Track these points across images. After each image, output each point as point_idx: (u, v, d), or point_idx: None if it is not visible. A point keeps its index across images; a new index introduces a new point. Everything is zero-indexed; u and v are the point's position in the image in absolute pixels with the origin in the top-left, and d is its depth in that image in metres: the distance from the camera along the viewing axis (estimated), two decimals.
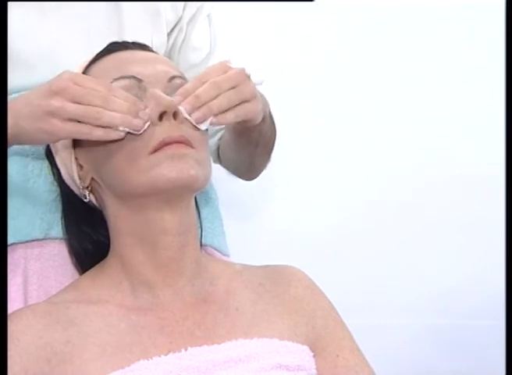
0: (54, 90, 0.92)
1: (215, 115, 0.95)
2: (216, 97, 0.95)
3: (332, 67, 1.77)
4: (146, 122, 0.94)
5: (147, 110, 0.95)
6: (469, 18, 1.74)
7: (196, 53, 1.26)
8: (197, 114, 0.95)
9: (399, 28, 1.76)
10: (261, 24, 1.74)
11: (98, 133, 0.92)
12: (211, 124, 0.96)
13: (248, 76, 0.98)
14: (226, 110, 0.96)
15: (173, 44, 1.26)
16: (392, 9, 1.75)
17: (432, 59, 1.76)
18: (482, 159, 1.77)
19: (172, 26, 1.24)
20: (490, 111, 1.71)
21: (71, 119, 0.92)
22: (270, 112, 1.13)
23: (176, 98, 0.95)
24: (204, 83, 0.95)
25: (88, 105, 0.91)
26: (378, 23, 1.76)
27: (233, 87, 0.96)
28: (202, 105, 0.94)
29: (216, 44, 1.27)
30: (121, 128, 0.93)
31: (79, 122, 0.92)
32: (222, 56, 1.05)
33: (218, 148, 1.25)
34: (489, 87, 1.71)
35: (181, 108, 0.95)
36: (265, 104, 1.08)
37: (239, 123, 1.01)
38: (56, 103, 0.91)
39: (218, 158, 1.26)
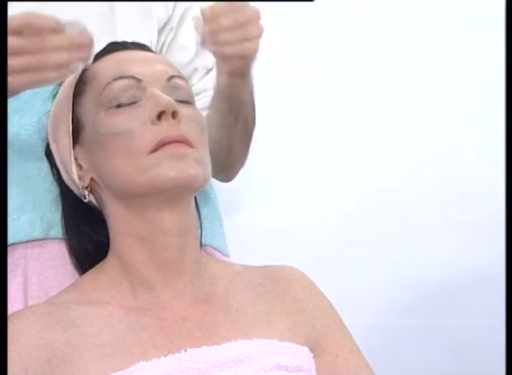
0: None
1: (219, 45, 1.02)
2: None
3: (332, 67, 1.77)
4: (91, 46, 0.92)
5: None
6: (469, 18, 1.74)
7: (183, 52, 1.26)
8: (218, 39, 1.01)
9: (399, 28, 1.76)
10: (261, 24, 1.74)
11: (53, 76, 0.90)
12: (212, 51, 1.03)
13: (260, 18, 1.04)
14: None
15: (163, 43, 1.26)
16: (392, 9, 1.75)
17: (431, 59, 1.76)
18: (482, 159, 1.77)
19: (163, 24, 1.25)
20: (490, 111, 1.71)
21: (22, 71, 0.90)
22: (251, 88, 1.16)
23: (205, 12, 1.01)
24: (225, 9, 1.01)
25: (29, 55, 0.89)
26: (378, 23, 1.76)
27: (242, 25, 1.02)
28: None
29: None
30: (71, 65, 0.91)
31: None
32: (210, 55, 1.08)
33: None
34: (489, 87, 1.71)
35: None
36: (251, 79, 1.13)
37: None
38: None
39: None
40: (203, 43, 1.02)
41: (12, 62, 0.89)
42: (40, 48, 0.89)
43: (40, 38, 0.89)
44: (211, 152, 1.21)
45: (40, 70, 0.90)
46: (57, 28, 0.89)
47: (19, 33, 0.89)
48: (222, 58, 1.07)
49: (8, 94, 0.94)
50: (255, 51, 1.05)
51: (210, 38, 1.01)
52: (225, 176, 1.28)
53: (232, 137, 1.18)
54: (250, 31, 1.02)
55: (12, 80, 0.90)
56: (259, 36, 1.04)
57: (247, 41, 1.02)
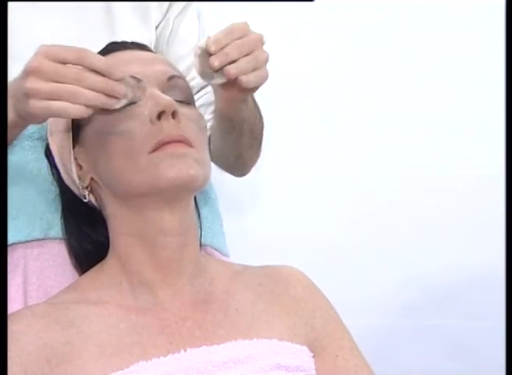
0: (28, 70, 0.91)
1: (235, 76, 0.97)
2: (237, 59, 0.97)
3: (332, 67, 1.77)
4: (123, 97, 0.94)
5: (128, 92, 0.94)
6: (469, 18, 1.74)
7: (183, 44, 1.26)
8: (233, 70, 0.96)
9: (399, 28, 1.76)
10: (261, 24, 1.74)
11: (74, 112, 0.91)
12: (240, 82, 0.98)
13: (264, 43, 1.00)
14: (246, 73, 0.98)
15: (159, 37, 1.26)
16: (392, 9, 1.75)
17: (432, 59, 1.76)
18: (482, 160, 1.77)
19: (159, 21, 1.25)
20: (490, 111, 1.71)
21: (48, 98, 0.91)
22: (253, 98, 1.14)
23: (211, 44, 0.96)
24: (230, 40, 0.97)
25: (63, 83, 0.90)
26: (378, 23, 1.76)
27: (249, 53, 0.98)
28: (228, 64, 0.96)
29: (204, 35, 1.27)
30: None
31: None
32: None
33: (209, 142, 1.26)
34: (489, 87, 1.71)
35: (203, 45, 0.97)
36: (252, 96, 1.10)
37: (224, 98, 1.05)
38: (30, 84, 0.90)
39: (210, 153, 1.27)
40: (205, 76, 0.99)
41: (45, 87, 0.90)
42: (78, 80, 0.90)
43: (82, 71, 0.91)
44: (219, 158, 1.22)
45: (68, 99, 0.90)
46: (103, 71, 0.91)
47: (63, 61, 0.91)
48: (225, 88, 1.03)
49: (20, 120, 0.95)
50: (266, 78, 1.01)
51: (220, 71, 0.97)
52: (238, 173, 1.29)
53: (238, 146, 1.18)
54: (259, 58, 0.99)
55: (33, 105, 0.91)
56: (266, 62, 1.00)
57: (257, 68, 0.99)
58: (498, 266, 1.35)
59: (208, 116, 1.22)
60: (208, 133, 1.24)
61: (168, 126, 0.96)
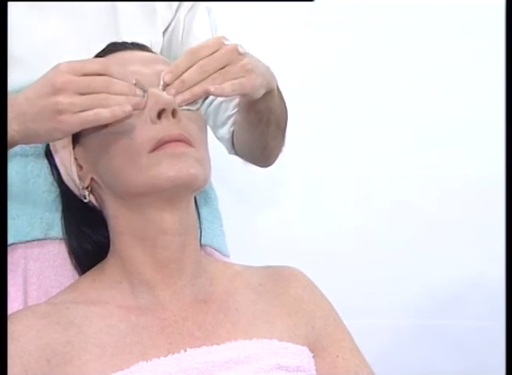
0: (58, 87, 0.91)
1: (208, 91, 0.96)
2: (202, 80, 0.96)
3: (333, 67, 1.77)
4: (143, 97, 0.96)
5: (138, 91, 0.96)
6: (469, 18, 1.75)
7: (197, 41, 1.25)
8: (180, 97, 0.95)
9: (399, 28, 1.76)
10: (261, 24, 1.74)
11: (106, 115, 0.92)
12: (209, 94, 0.97)
13: (241, 53, 0.98)
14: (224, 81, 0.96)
15: (170, 38, 1.26)
16: (392, 9, 1.75)
17: (431, 59, 1.76)
18: (482, 160, 1.77)
19: (168, 23, 1.25)
20: (490, 111, 1.71)
21: (82, 111, 0.92)
22: (278, 89, 1.13)
23: (165, 76, 0.96)
24: (194, 62, 0.96)
25: (93, 93, 0.92)
26: (378, 23, 1.76)
27: (222, 68, 0.96)
28: (186, 90, 0.95)
29: (217, 31, 1.27)
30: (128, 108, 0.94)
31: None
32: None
33: (231, 138, 1.25)
34: (489, 87, 1.71)
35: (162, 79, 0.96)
36: (270, 79, 1.06)
37: (241, 96, 1.03)
38: (64, 100, 0.91)
39: (233, 147, 1.26)
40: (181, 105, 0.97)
41: (79, 100, 0.92)
42: (107, 87, 0.93)
43: (109, 79, 0.93)
44: (245, 151, 1.21)
45: (101, 107, 0.92)
46: (124, 77, 0.94)
47: (89, 74, 0.93)
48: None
49: (56, 136, 0.96)
50: (250, 87, 0.98)
51: (186, 100, 0.96)
52: (264, 163, 1.29)
53: (265, 137, 1.18)
54: (231, 71, 0.96)
55: (67, 120, 0.92)
56: (244, 70, 0.97)
57: (229, 80, 0.96)
58: (498, 266, 1.35)
59: (231, 111, 1.22)
60: (232, 128, 1.24)
61: (168, 126, 0.96)
